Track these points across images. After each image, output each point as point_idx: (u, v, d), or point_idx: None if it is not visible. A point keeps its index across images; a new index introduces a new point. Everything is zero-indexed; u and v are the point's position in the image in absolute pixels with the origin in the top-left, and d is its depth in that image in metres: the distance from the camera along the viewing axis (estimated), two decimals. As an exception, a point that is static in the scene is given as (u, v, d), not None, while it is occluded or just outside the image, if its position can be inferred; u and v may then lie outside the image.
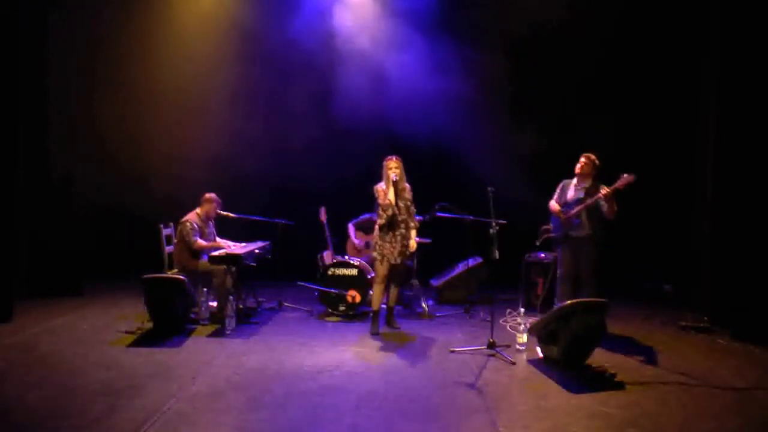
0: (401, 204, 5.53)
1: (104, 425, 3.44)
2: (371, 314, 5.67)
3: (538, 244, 6.18)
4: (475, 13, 7.55)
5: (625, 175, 5.23)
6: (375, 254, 5.58)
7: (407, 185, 5.63)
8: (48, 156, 7.05)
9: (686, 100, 7.11)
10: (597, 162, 5.56)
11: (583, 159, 5.58)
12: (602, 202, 5.37)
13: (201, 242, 5.95)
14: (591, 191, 5.48)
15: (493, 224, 5.04)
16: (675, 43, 7.16)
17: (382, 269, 5.56)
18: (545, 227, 6.02)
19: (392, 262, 5.54)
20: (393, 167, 5.48)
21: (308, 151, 7.71)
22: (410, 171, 5.68)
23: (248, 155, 7.71)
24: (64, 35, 7.10)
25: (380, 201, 5.49)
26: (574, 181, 5.67)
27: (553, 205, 5.76)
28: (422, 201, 6.07)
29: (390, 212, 5.47)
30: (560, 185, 5.80)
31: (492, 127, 7.59)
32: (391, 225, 5.51)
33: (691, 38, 6.99)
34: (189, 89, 7.83)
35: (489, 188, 5.09)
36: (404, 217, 5.55)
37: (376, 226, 5.61)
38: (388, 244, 5.52)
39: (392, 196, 5.44)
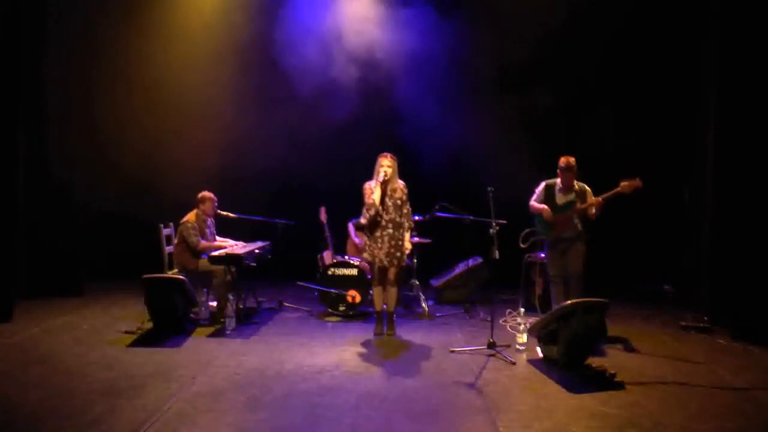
0: (389, 203, 5.35)
1: (104, 425, 3.44)
2: (375, 315, 5.65)
3: (524, 246, 6.11)
4: (483, 14, 7.55)
5: (628, 181, 5.23)
6: (365, 255, 5.45)
7: (400, 183, 5.45)
8: (48, 156, 7.04)
9: (686, 99, 7.11)
10: (575, 164, 5.52)
11: (567, 171, 5.47)
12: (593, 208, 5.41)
13: (204, 243, 5.95)
14: (579, 194, 5.53)
15: (493, 224, 5.04)
16: (675, 42, 7.15)
17: (374, 270, 5.47)
18: (529, 230, 5.91)
19: (379, 264, 5.40)
20: (385, 165, 5.32)
21: (308, 151, 7.71)
22: (411, 170, 5.66)
23: (248, 155, 7.71)
24: (64, 36, 7.10)
25: (365, 200, 5.35)
26: (559, 183, 5.60)
27: (539, 206, 5.61)
28: (422, 201, 6.07)
29: (372, 212, 5.29)
30: (542, 186, 5.68)
31: (493, 125, 7.59)
32: (375, 225, 5.35)
33: (690, 38, 6.99)
34: (189, 90, 7.82)
35: (489, 188, 5.09)
36: (392, 216, 5.35)
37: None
38: (375, 245, 5.38)
39: (377, 195, 5.26)
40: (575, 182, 5.56)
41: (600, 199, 5.38)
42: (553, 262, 5.66)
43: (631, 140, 7.29)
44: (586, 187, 5.57)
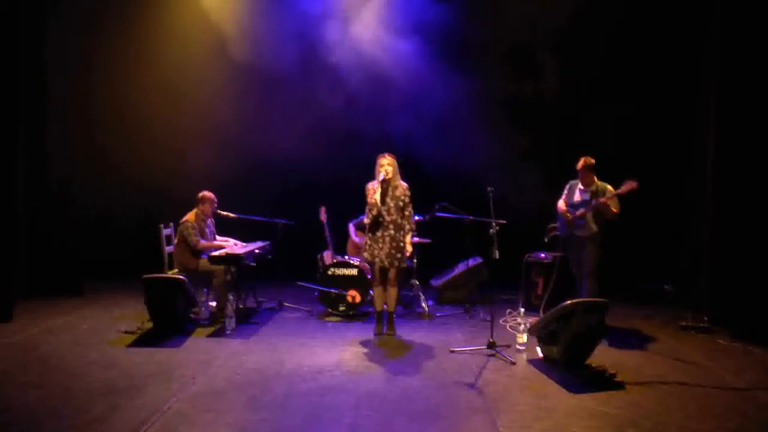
0: (391, 204, 5.33)
1: (104, 425, 3.44)
2: (375, 315, 5.65)
3: (546, 240, 6.20)
4: (481, 21, 7.55)
5: (628, 182, 5.34)
6: (366, 255, 5.43)
7: (402, 184, 5.42)
8: (47, 156, 7.05)
9: (686, 98, 7.10)
10: (594, 163, 5.60)
11: (582, 169, 5.60)
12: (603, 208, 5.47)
13: (203, 242, 5.96)
14: (596, 193, 5.55)
15: (493, 224, 5.04)
16: (675, 40, 7.14)
17: (375, 271, 5.46)
18: (552, 225, 6.06)
19: (380, 264, 5.39)
20: (385, 164, 5.31)
21: (308, 151, 7.69)
22: (411, 170, 5.65)
23: (248, 155, 7.71)
24: (63, 36, 7.10)
25: (367, 200, 5.34)
26: (580, 183, 5.71)
27: (560, 205, 5.84)
28: (422, 201, 6.06)
29: (375, 212, 5.28)
30: (567, 186, 5.86)
31: (491, 125, 7.58)
32: (377, 225, 5.34)
33: (691, 35, 6.97)
34: (189, 90, 7.80)
35: (489, 188, 5.11)
36: (394, 217, 5.34)
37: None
38: (376, 245, 5.36)
39: (379, 195, 5.26)
40: (596, 182, 5.62)
41: (602, 200, 5.43)
42: (570, 259, 5.84)
43: (630, 139, 7.28)
44: (608, 187, 5.56)
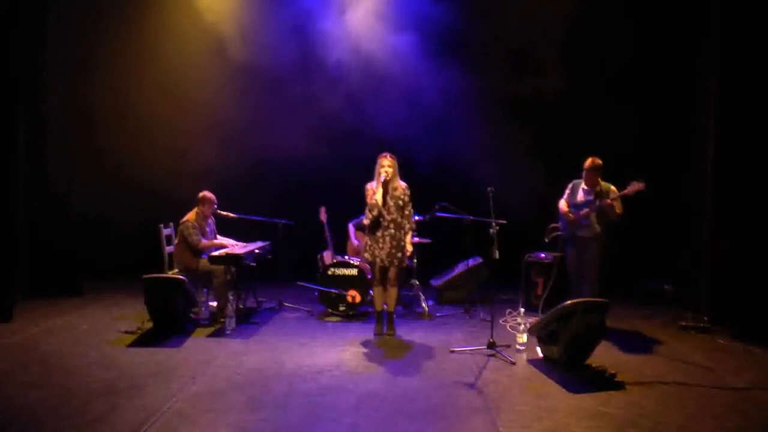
0: (391, 203, 5.34)
1: (104, 425, 3.44)
2: (374, 315, 5.65)
3: (547, 241, 6.19)
4: (481, 20, 7.55)
5: (635, 183, 5.34)
6: (366, 255, 5.44)
7: (402, 184, 5.44)
8: (47, 156, 7.05)
9: (686, 99, 7.10)
10: (601, 163, 5.59)
11: (590, 170, 5.58)
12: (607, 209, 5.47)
13: (204, 242, 5.96)
14: (600, 194, 5.54)
15: (493, 224, 5.04)
16: (675, 41, 7.14)
17: (375, 270, 5.47)
18: (553, 225, 6.05)
19: (380, 264, 5.40)
20: (385, 165, 5.32)
21: (308, 151, 7.70)
22: (410, 170, 5.65)
23: (248, 155, 7.71)
24: (63, 36, 7.09)
25: (367, 200, 5.36)
26: (583, 182, 5.69)
27: (562, 205, 5.81)
28: (422, 201, 6.06)
29: (375, 212, 5.30)
30: (570, 185, 5.84)
31: (491, 124, 7.58)
32: (377, 225, 5.35)
33: (691, 35, 6.97)
34: (189, 90, 7.79)
35: (489, 188, 5.11)
36: (394, 216, 5.35)
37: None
38: (376, 245, 5.37)
39: (380, 196, 5.27)
40: (600, 182, 5.61)
41: (608, 201, 5.42)
42: (570, 259, 5.79)
43: (630, 139, 7.28)
44: (611, 187, 5.57)
